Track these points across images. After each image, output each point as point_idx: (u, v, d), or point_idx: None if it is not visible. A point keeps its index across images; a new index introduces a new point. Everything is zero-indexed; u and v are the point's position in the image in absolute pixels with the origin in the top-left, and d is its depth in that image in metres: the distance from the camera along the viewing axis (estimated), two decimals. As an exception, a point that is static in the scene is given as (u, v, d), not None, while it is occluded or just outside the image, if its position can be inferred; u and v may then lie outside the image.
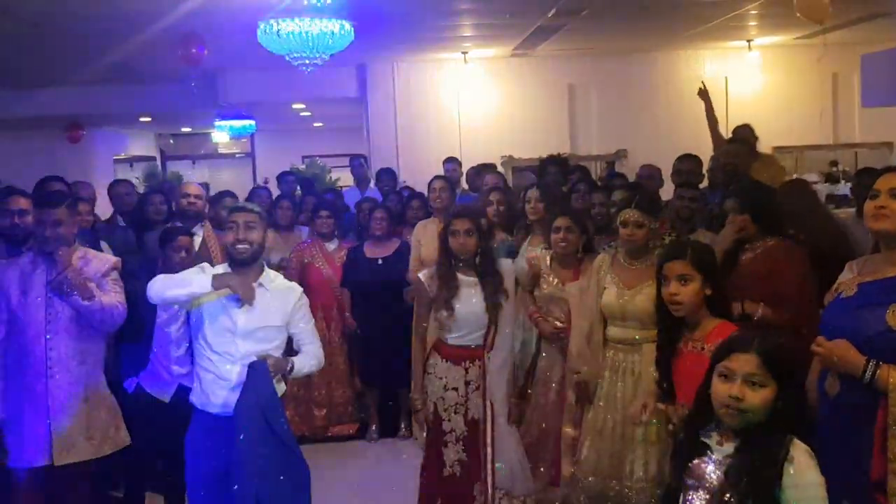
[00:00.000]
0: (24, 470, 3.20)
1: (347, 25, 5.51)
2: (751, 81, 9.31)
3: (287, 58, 5.73)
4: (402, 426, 5.55)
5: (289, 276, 3.76)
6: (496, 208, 4.99)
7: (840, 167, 10.99)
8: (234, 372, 3.06)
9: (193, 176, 13.91)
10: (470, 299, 3.60)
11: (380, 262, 5.40)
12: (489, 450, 3.62)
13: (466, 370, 3.64)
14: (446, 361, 3.66)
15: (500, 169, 7.41)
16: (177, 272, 3.48)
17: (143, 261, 3.86)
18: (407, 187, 7.24)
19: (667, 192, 5.27)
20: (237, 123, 11.81)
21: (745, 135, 6.07)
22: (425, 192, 5.94)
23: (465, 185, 7.22)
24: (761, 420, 2.06)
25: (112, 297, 3.35)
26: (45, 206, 3.30)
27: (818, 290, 2.93)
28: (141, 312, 3.57)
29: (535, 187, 4.68)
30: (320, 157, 14.62)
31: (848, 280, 2.59)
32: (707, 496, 2.10)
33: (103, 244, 4.46)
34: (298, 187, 7.90)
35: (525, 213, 4.64)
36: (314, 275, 5.49)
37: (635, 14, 7.19)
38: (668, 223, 4.25)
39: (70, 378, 3.28)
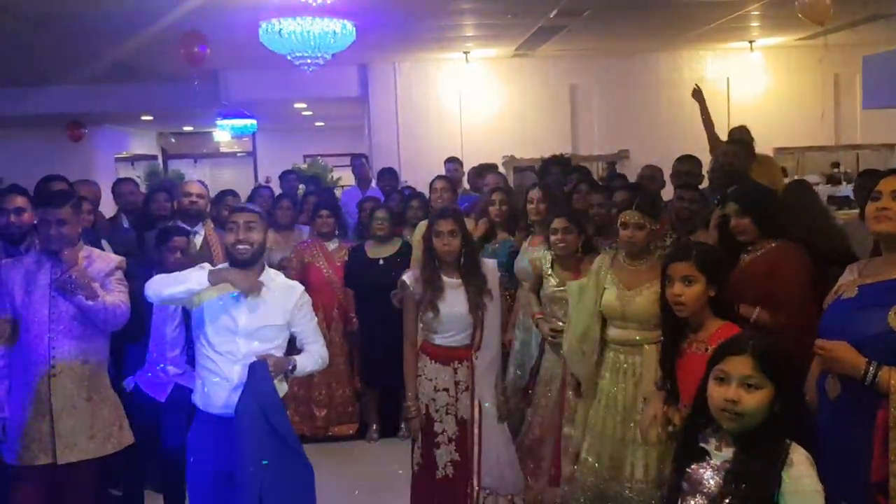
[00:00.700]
0: (27, 468, 3.20)
1: (349, 25, 5.52)
2: (752, 82, 9.31)
3: (289, 57, 5.74)
4: (403, 427, 5.55)
5: (289, 276, 3.76)
6: (498, 208, 4.99)
7: (841, 168, 11.00)
8: (236, 372, 3.06)
9: (195, 175, 13.90)
10: (454, 300, 3.59)
11: (381, 262, 5.40)
12: (476, 449, 3.61)
13: (455, 370, 3.64)
14: (435, 362, 3.66)
15: (501, 169, 7.41)
16: (172, 272, 3.48)
17: (142, 260, 3.87)
18: (408, 187, 7.24)
19: (668, 192, 5.28)
20: (239, 123, 11.82)
21: (741, 136, 6.07)
22: (426, 192, 5.94)
23: (466, 185, 7.22)
24: (759, 424, 2.06)
25: (116, 296, 3.35)
26: (50, 205, 3.31)
27: (818, 293, 2.93)
28: (141, 312, 3.57)
29: (536, 188, 4.68)
30: (322, 156, 14.63)
31: (849, 282, 2.59)
32: (705, 501, 2.10)
33: (104, 243, 4.46)
34: (302, 185, 7.90)
35: (527, 214, 4.65)
36: (315, 274, 5.49)
37: (637, 15, 7.19)
38: (668, 224, 4.25)
39: (73, 377, 3.28)
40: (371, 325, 5.42)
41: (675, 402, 2.87)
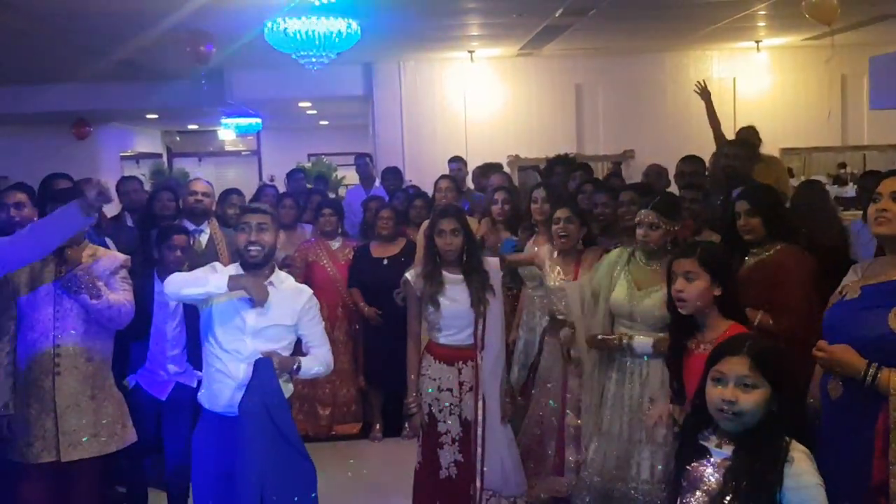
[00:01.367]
0: (32, 466, 3.21)
1: (354, 24, 5.51)
2: (759, 82, 9.28)
3: (294, 56, 5.74)
4: (406, 426, 5.55)
5: (293, 275, 3.75)
6: (501, 207, 4.98)
7: (848, 169, 10.95)
8: (242, 370, 3.06)
9: (199, 173, 13.91)
10: (455, 295, 3.59)
11: (385, 262, 5.40)
12: (479, 450, 3.60)
13: (460, 371, 3.63)
14: (439, 362, 3.65)
15: (505, 168, 7.40)
16: (172, 271, 3.49)
17: (145, 259, 3.87)
18: (412, 186, 7.23)
19: (672, 192, 5.26)
20: (243, 121, 11.83)
21: (747, 136, 6.04)
22: (430, 192, 5.93)
23: (470, 185, 7.21)
24: (757, 423, 2.06)
25: (120, 295, 3.36)
26: (56, 202, 3.31)
27: (823, 295, 2.92)
28: (144, 310, 3.58)
29: (541, 187, 4.67)
30: (326, 155, 14.64)
31: (852, 283, 2.59)
32: (706, 499, 2.10)
33: (108, 241, 4.47)
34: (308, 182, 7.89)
35: (531, 213, 4.63)
36: (319, 273, 5.49)
37: (643, 14, 7.17)
38: (691, 227, 4.19)
39: (78, 375, 3.29)
40: (375, 325, 5.42)
41: (681, 402, 2.86)
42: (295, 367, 3.14)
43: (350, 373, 5.64)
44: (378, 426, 5.60)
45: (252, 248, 3.10)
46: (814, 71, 9.09)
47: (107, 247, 3.99)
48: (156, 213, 5.14)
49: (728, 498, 2.03)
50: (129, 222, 5.64)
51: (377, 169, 8.08)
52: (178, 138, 16.98)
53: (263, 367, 3.00)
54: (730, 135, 6.23)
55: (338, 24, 5.44)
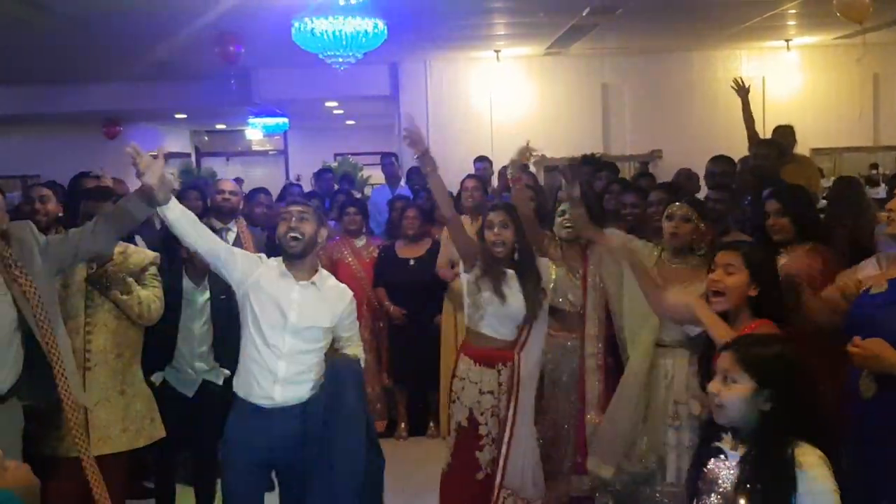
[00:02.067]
0: (63, 460, 3.25)
1: (381, 24, 5.53)
2: (789, 82, 9.18)
3: (321, 56, 5.78)
4: (431, 425, 5.55)
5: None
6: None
7: (880, 170, 10.78)
8: (281, 367, 3.06)
9: (227, 172, 14.02)
10: (509, 294, 3.52)
11: (412, 262, 5.41)
12: (504, 448, 3.55)
13: (499, 372, 3.57)
14: (478, 365, 3.59)
15: (531, 168, 7.37)
16: (199, 269, 3.69)
17: (172, 256, 3.89)
18: (438, 185, 7.23)
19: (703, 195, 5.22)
20: (270, 121, 11.91)
21: (783, 136, 5.97)
22: (454, 191, 5.93)
23: (495, 185, 7.20)
24: (759, 424, 2.06)
25: (150, 292, 3.40)
26: (90, 198, 3.36)
27: None
28: (171, 308, 3.61)
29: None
30: (352, 154, 14.69)
31: (876, 276, 2.54)
32: (721, 501, 2.10)
33: (138, 239, 4.52)
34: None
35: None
36: (344, 271, 5.50)
37: (671, 13, 7.12)
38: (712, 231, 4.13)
39: (108, 370, 3.32)
40: (402, 324, 5.43)
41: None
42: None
43: (374, 371, 5.65)
44: (403, 424, 5.61)
45: (291, 233, 3.08)
46: (845, 70, 8.97)
47: (136, 244, 4.03)
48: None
49: (742, 502, 2.03)
50: (157, 223, 5.70)
51: (403, 168, 8.10)
52: (206, 138, 17.14)
53: (349, 369, 3.12)
54: (759, 135, 6.16)
55: (365, 24, 5.47)
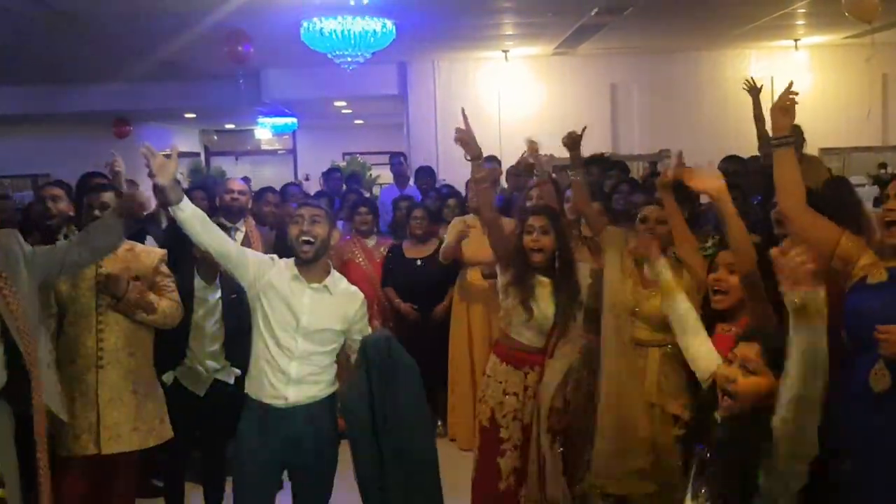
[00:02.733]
0: (74, 458, 3.27)
1: (389, 24, 5.56)
2: (798, 82, 9.04)
3: (329, 55, 5.80)
4: (439, 424, 5.56)
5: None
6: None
7: (889, 170, 10.74)
8: (293, 368, 3.05)
9: (236, 172, 14.07)
10: (541, 301, 3.44)
11: (419, 262, 5.41)
12: (533, 444, 3.46)
13: (526, 375, 3.51)
14: (506, 364, 3.54)
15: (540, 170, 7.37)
16: (208, 269, 3.66)
17: (182, 255, 3.89)
18: (446, 185, 7.25)
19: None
20: (279, 121, 11.93)
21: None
22: (463, 191, 5.94)
23: (504, 184, 7.20)
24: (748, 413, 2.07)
25: (167, 298, 3.43)
26: (92, 191, 3.40)
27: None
28: (183, 307, 3.62)
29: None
30: (360, 154, 14.72)
31: (870, 264, 2.49)
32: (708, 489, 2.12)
33: (149, 238, 4.54)
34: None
35: (564, 213, 4.60)
36: (354, 271, 5.51)
37: (680, 13, 7.11)
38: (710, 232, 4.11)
39: (120, 370, 3.34)
40: (409, 325, 5.43)
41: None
42: None
43: (383, 371, 5.66)
44: (411, 424, 5.61)
45: (304, 237, 3.06)
46: (854, 70, 8.94)
47: (145, 243, 4.05)
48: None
49: (712, 469, 2.07)
50: (164, 221, 5.72)
51: (411, 168, 8.11)
52: (215, 137, 17.19)
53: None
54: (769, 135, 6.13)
55: (373, 24, 5.49)
